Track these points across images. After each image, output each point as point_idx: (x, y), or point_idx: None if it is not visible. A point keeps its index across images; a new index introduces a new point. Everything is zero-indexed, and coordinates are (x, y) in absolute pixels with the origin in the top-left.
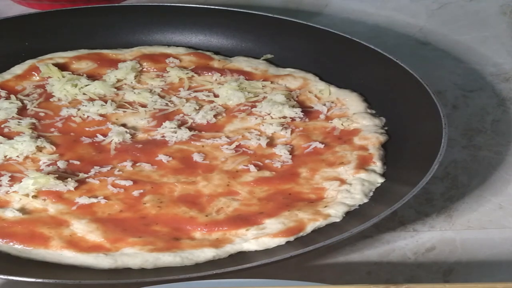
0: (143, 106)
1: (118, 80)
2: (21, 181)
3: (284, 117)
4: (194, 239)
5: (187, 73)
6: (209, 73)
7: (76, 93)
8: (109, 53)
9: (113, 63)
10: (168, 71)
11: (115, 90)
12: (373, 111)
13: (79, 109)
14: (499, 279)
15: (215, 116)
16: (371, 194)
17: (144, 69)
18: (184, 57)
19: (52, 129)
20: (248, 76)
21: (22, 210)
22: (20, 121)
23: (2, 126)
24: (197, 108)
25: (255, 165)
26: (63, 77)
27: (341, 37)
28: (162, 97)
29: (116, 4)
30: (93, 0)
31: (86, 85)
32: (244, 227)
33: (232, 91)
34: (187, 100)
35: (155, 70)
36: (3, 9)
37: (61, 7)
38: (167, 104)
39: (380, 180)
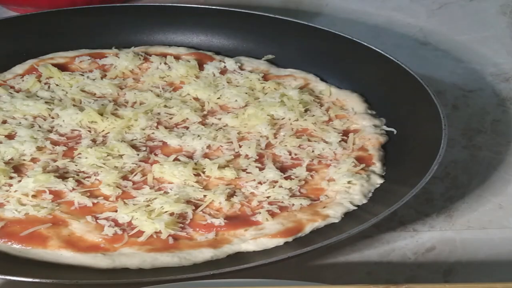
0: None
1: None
2: (20, 181)
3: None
4: (192, 239)
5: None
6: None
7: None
8: (110, 53)
9: None
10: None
11: (119, 89)
12: (373, 112)
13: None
14: (499, 279)
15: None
16: (370, 194)
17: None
18: (185, 57)
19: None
20: None
21: (21, 209)
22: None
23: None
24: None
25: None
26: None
27: (341, 37)
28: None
29: (117, 4)
30: (95, 2)
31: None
32: (243, 228)
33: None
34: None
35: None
36: (3, 9)
37: None
38: (165, 106)
39: (380, 181)
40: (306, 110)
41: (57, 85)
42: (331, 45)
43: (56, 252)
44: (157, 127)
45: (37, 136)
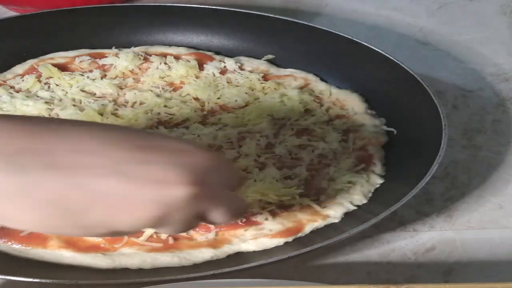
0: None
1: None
2: None
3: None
4: (192, 239)
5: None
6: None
7: (77, 92)
8: (110, 53)
9: None
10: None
11: (119, 89)
12: (373, 112)
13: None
14: (499, 279)
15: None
16: (370, 194)
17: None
18: (185, 57)
19: None
20: None
21: None
22: None
23: None
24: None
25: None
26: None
27: (341, 37)
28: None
29: (117, 4)
30: (95, 2)
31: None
32: (243, 228)
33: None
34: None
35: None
36: (3, 9)
37: None
38: (165, 106)
39: (380, 181)
40: (306, 110)
41: (57, 85)
42: (331, 45)
43: (56, 252)
44: (157, 127)
45: None
